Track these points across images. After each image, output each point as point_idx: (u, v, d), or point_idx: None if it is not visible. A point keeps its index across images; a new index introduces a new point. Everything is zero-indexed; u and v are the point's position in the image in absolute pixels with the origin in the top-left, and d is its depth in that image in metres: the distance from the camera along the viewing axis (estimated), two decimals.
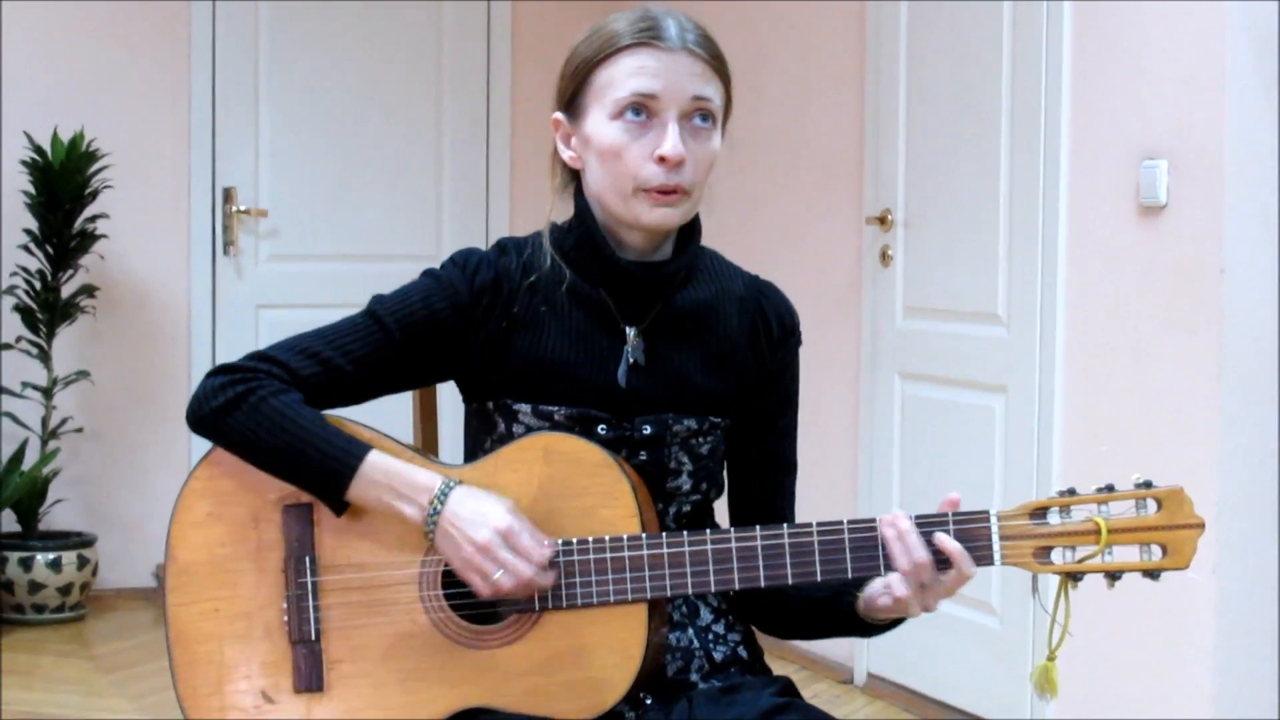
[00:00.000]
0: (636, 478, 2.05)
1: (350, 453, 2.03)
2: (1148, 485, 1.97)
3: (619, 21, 2.09)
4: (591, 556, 2.00)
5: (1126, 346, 3.97)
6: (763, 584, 1.99)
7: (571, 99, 2.12)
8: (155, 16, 6.02)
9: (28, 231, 5.67)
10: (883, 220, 4.85)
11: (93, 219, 5.71)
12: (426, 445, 2.44)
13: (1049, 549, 1.97)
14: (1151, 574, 1.97)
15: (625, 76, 2.06)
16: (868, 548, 1.99)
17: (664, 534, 2.01)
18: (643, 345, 2.13)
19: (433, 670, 2.03)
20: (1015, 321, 4.35)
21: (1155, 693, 3.90)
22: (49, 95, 5.87)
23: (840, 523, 1.99)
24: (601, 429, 2.10)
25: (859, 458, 4.97)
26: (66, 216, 5.65)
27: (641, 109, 2.06)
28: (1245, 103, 3.72)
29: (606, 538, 2.00)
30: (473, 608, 2.03)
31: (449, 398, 2.29)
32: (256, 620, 2.07)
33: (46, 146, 5.64)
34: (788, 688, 2.13)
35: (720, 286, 2.19)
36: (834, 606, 2.12)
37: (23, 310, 5.65)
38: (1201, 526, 1.96)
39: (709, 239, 2.19)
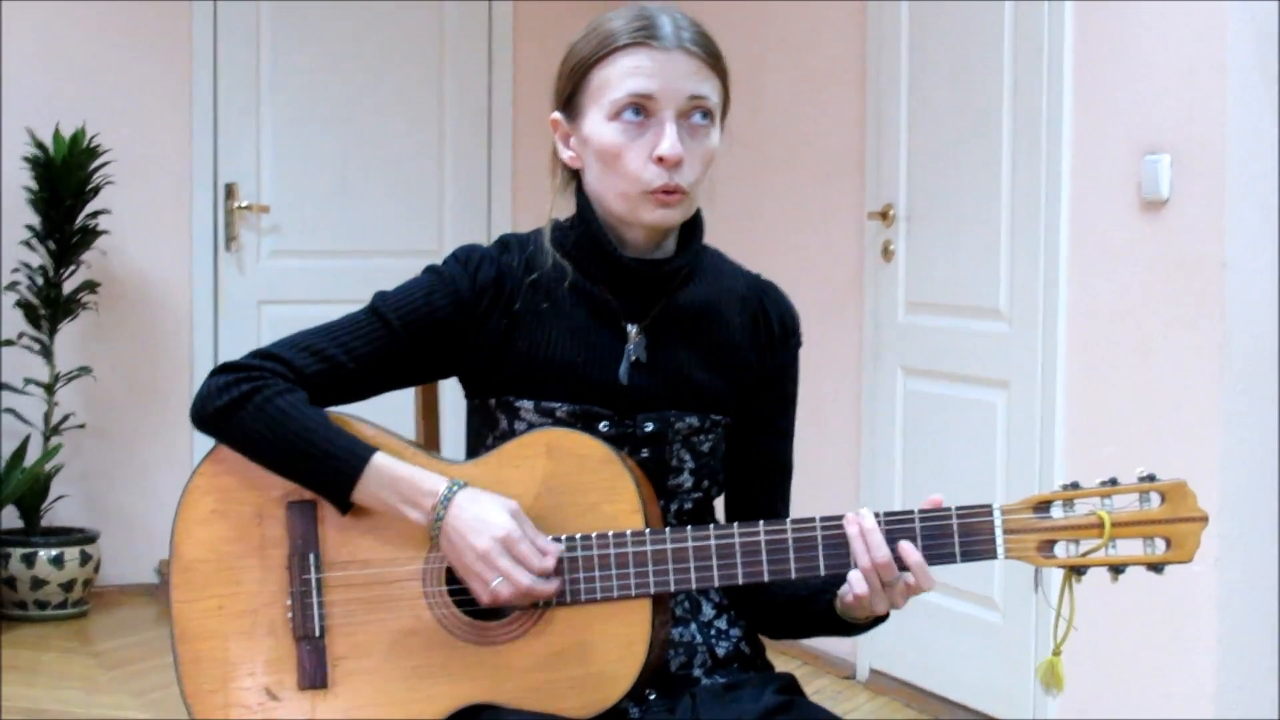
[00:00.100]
0: (640, 473, 2.05)
1: (355, 455, 2.03)
2: (1151, 479, 1.97)
3: (615, 20, 2.08)
4: (595, 552, 2.00)
5: (1128, 341, 3.97)
6: (766, 578, 1.99)
7: (569, 99, 2.12)
8: (157, 11, 6.02)
9: (30, 227, 5.68)
10: (885, 215, 4.85)
11: (94, 215, 5.72)
12: (428, 442, 2.44)
13: (1053, 543, 1.97)
14: (1155, 567, 1.97)
15: (621, 77, 2.06)
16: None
17: (667, 529, 2.01)
18: (644, 342, 2.13)
19: (437, 666, 2.03)
20: (1017, 317, 4.35)
21: (1158, 686, 3.90)
22: (51, 91, 5.87)
23: (841, 517, 1.99)
24: (603, 426, 2.10)
25: (861, 453, 4.98)
26: (68, 212, 5.65)
27: (639, 109, 2.06)
28: (1247, 97, 3.72)
29: (610, 533, 2.00)
30: (477, 603, 2.03)
31: (451, 394, 2.29)
32: (261, 617, 2.07)
33: (48, 142, 5.64)
34: (790, 685, 2.13)
35: (722, 285, 2.19)
36: (813, 605, 2.13)
37: (25, 306, 5.65)
38: (1205, 520, 1.96)
39: (711, 234, 2.19)
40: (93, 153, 5.67)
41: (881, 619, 2.08)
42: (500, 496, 2.01)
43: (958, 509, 1.99)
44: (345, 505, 2.05)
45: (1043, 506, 1.98)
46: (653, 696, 2.09)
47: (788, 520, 2.00)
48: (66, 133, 5.67)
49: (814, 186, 5.25)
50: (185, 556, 2.09)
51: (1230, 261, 3.72)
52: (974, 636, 4.50)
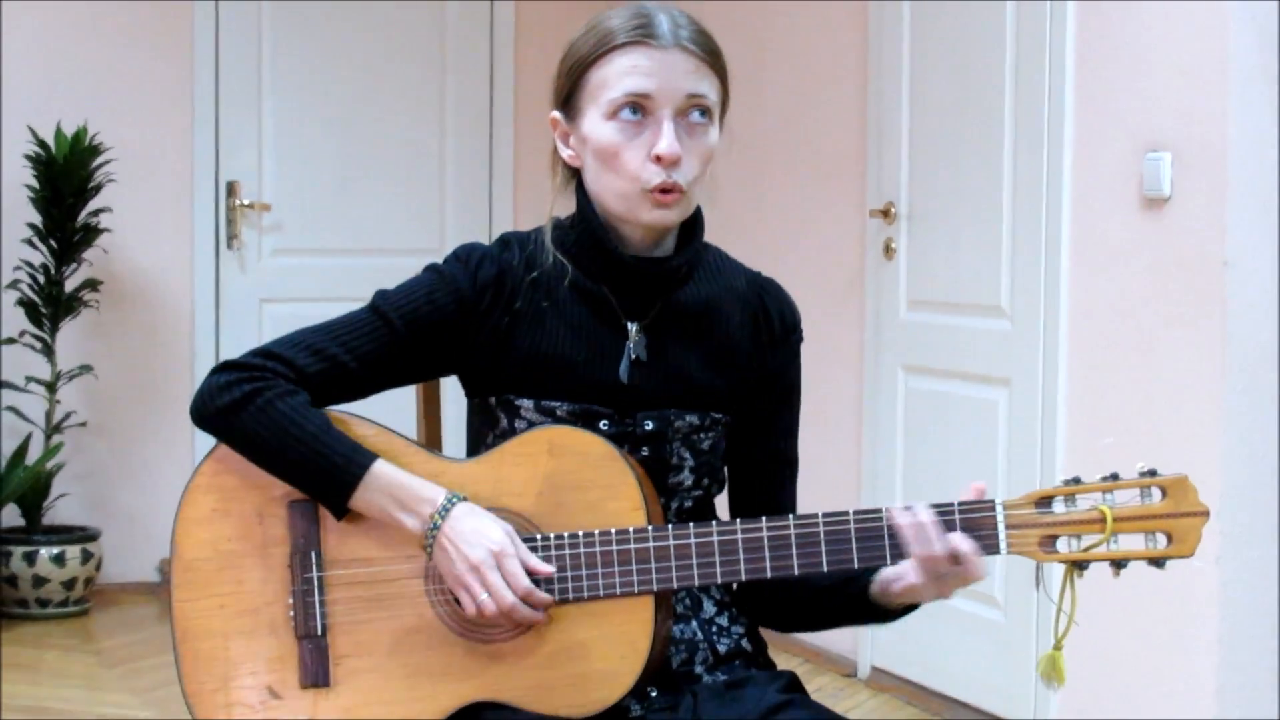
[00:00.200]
0: (641, 470, 2.05)
1: (355, 462, 2.03)
2: (1152, 474, 1.97)
3: (613, 19, 2.08)
4: (598, 549, 2.00)
5: (1130, 339, 3.98)
6: (769, 575, 2.00)
7: (567, 98, 2.12)
8: (158, 10, 6.02)
9: (31, 226, 5.68)
10: (886, 213, 4.85)
11: (96, 213, 5.72)
12: (429, 441, 2.44)
13: (1054, 538, 1.97)
14: (1157, 562, 1.97)
15: (619, 76, 2.06)
16: (874, 538, 1.99)
17: (669, 526, 2.01)
18: (645, 341, 2.13)
19: (439, 664, 2.03)
20: (1018, 314, 4.35)
21: (1158, 681, 3.90)
22: (52, 89, 5.87)
23: (846, 513, 1.99)
24: (604, 424, 2.10)
25: (862, 451, 4.97)
26: (70, 211, 5.65)
27: (636, 108, 2.06)
28: (1248, 95, 3.72)
29: (613, 530, 2.00)
30: None
31: (452, 393, 2.29)
32: (262, 616, 2.07)
33: (50, 140, 5.64)
34: (792, 683, 2.13)
35: (722, 283, 2.19)
36: (843, 593, 2.12)
37: (26, 304, 5.65)
38: (1206, 514, 1.96)
39: (712, 233, 2.19)
40: (94, 151, 5.67)
41: (913, 607, 2.08)
42: (497, 517, 2.01)
43: (960, 504, 1.99)
44: (341, 511, 2.05)
45: (1044, 502, 1.98)
46: (654, 694, 2.09)
47: (789, 516, 2.00)
48: (68, 131, 5.67)
49: (815, 184, 5.25)
50: (186, 556, 2.09)
51: (1231, 259, 3.72)
52: (975, 634, 4.50)
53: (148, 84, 6.03)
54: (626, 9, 2.09)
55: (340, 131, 6.27)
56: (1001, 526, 1.98)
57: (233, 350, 5.00)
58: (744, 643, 2.17)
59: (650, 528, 2.00)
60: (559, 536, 2.01)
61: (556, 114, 2.15)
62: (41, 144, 5.61)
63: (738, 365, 2.17)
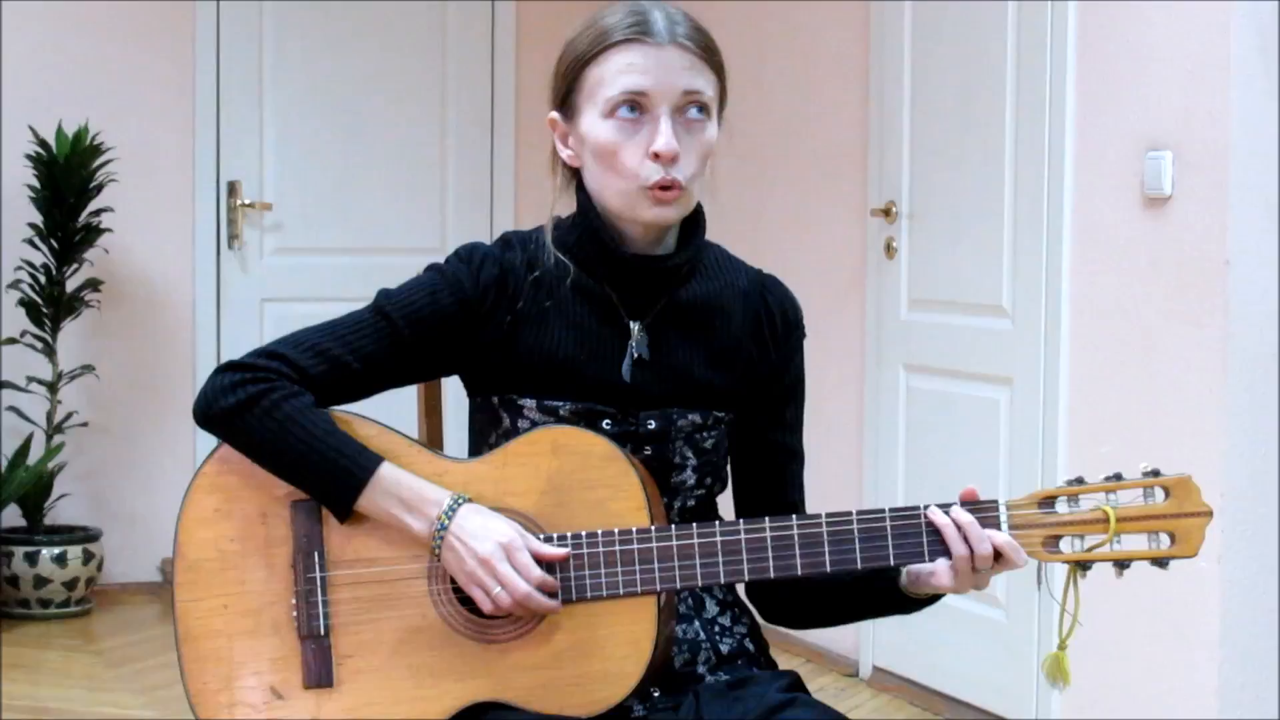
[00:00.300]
0: (644, 470, 2.05)
1: (362, 465, 2.03)
2: (1156, 474, 1.97)
3: (609, 18, 2.08)
4: (601, 549, 2.00)
5: (1131, 338, 3.97)
6: (772, 575, 2.00)
7: (565, 98, 2.12)
8: (160, 9, 6.02)
9: (32, 225, 5.67)
10: (887, 212, 4.85)
11: (97, 213, 5.71)
12: (430, 440, 2.44)
13: (1058, 538, 1.97)
14: (1160, 562, 1.97)
15: (615, 74, 2.06)
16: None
17: (673, 526, 2.01)
18: (647, 340, 2.13)
19: (442, 664, 2.03)
20: (1020, 314, 4.34)
21: (1161, 680, 3.90)
22: (53, 89, 5.87)
23: (849, 513, 1.99)
24: (606, 424, 2.10)
25: (864, 450, 4.97)
26: (71, 210, 5.65)
27: (634, 106, 2.06)
28: (1250, 94, 3.72)
29: (616, 530, 2.00)
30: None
31: (454, 392, 2.29)
32: (265, 616, 2.07)
33: (51, 140, 5.64)
34: (794, 683, 2.13)
35: (724, 281, 2.19)
36: (868, 584, 2.12)
37: (27, 304, 5.65)
38: (1210, 514, 1.96)
39: (714, 232, 2.19)
40: (95, 150, 5.67)
41: (939, 595, 2.08)
42: (503, 516, 2.01)
43: (965, 506, 1.99)
44: (346, 514, 2.05)
45: (1048, 502, 1.98)
46: (657, 694, 2.09)
47: (793, 516, 2.01)
48: (69, 130, 5.67)
49: (816, 183, 5.25)
50: (189, 556, 2.09)
51: (1233, 258, 3.72)
52: (977, 634, 4.50)
53: (149, 84, 6.03)
54: (623, 7, 2.09)
55: (342, 131, 6.27)
56: (1005, 527, 1.98)
57: (234, 350, 5.00)
58: (746, 643, 2.17)
59: (654, 528, 2.00)
60: (562, 537, 2.01)
61: (554, 114, 2.15)
62: (42, 144, 5.61)
63: (740, 363, 2.17)
